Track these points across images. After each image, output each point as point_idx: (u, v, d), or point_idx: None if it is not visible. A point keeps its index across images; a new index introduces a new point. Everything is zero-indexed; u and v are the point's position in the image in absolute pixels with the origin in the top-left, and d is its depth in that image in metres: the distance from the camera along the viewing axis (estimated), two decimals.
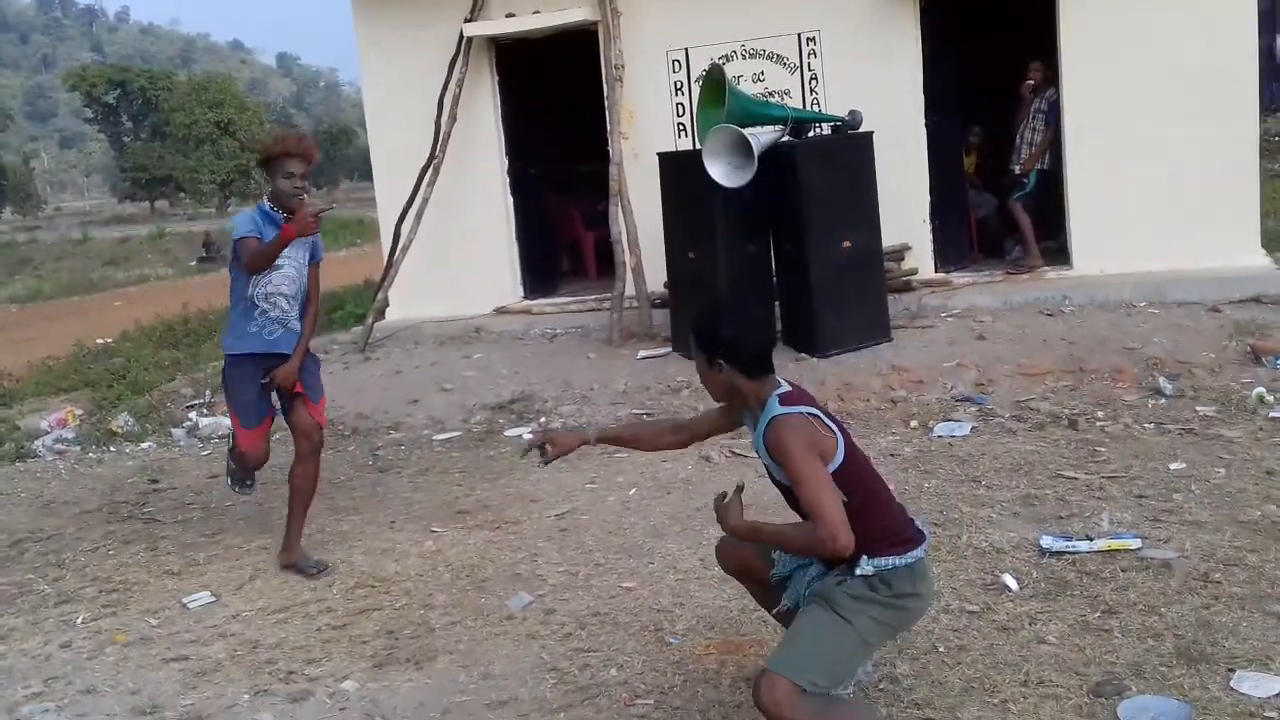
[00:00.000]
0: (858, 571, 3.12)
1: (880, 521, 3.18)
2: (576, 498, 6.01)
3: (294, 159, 5.01)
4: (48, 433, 8.56)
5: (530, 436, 4.06)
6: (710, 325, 3.35)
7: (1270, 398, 6.52)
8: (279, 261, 5.06)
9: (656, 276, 9.16)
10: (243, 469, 5.57)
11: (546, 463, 3.85)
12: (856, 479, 3.16)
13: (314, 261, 5.31)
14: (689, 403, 7.57)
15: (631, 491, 6.01)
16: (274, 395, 5.35)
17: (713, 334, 3.30)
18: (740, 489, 3.33)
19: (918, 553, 3.19)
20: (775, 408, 3.18)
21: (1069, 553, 4.58)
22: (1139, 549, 4.54)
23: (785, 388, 3.28)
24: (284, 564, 5.32)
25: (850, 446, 3.20)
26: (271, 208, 5.07)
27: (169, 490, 7.03)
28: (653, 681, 3.88)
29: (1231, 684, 3.47)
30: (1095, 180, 8.74)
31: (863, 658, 3.26)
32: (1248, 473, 5.39)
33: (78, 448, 8.29)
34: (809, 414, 3.15)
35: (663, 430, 3.89)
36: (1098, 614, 4.03)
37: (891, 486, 5.54)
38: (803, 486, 3.01)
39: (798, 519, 3.17)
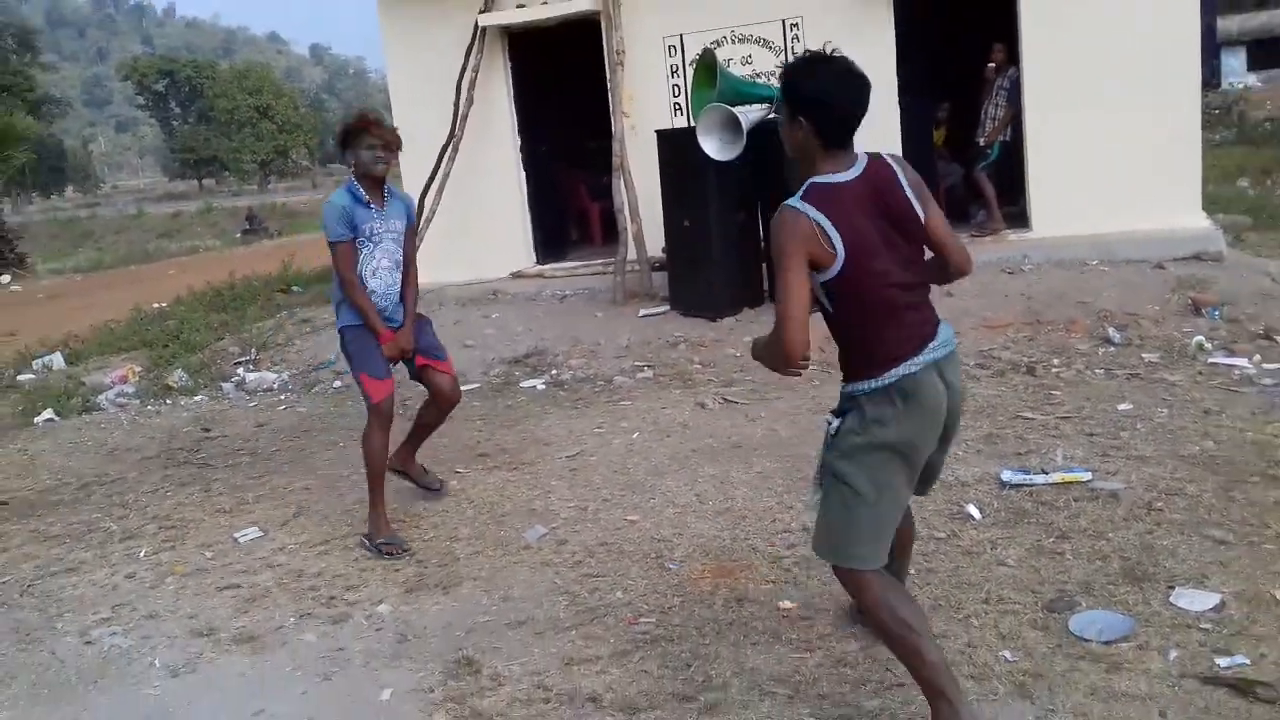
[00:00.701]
0: (830, 429, 2.84)
1: (867, 345, 2.77)
2: (585, 441, 6.02)
3: (374, 133, 4.66)
4: (110, 388, 8.58)
5: None
6: (802, 75, 2.80)
7: (1208, 345, 6.51)
8: (379, 235, 4.72)
9: (655, 242, 9.12)
10: (375, 458, 4.81)
11: None
12: (854, 291, 2.72)
13: (410, 225, 4.95)
14: (686, 355, 7.58)
15: (634, 435, 6.02)
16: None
17: (801, 86, 2.78)
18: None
19: (899, 370, 2.72)
20: (795, 197, 2.73)
21: (1027, 485, 4.59)
22: (1089, 481, 4.55)
23: (828, 178, 2.75)
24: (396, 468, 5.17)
25: (859, 260, 2.68)
26: (356, 185, 4.70)
27: (220, 438, 7.04)
28: (654, 603, 3.91)
29: (1171, 600, 3.50)
30: (1052, 150, 8.67)
31: (889, 511, 2.82)
32: (1188, 412, 5.40)
33: (137, 401, 8.30)
34: (804, 211, 2.69)
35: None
36: (1052, 539, 4.05)
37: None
38: (775, 283, 2.68)
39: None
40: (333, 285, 4.90)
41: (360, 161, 4.66)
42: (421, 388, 5.17)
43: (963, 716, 2.70)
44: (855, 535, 2.78)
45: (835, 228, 2.68)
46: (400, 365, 4.94)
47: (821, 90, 2.74)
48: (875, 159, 2.84)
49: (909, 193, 2.81)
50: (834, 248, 2.67)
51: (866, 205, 2.74)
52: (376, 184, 4.73)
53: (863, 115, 2.78)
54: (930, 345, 2.78)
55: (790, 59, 9.07)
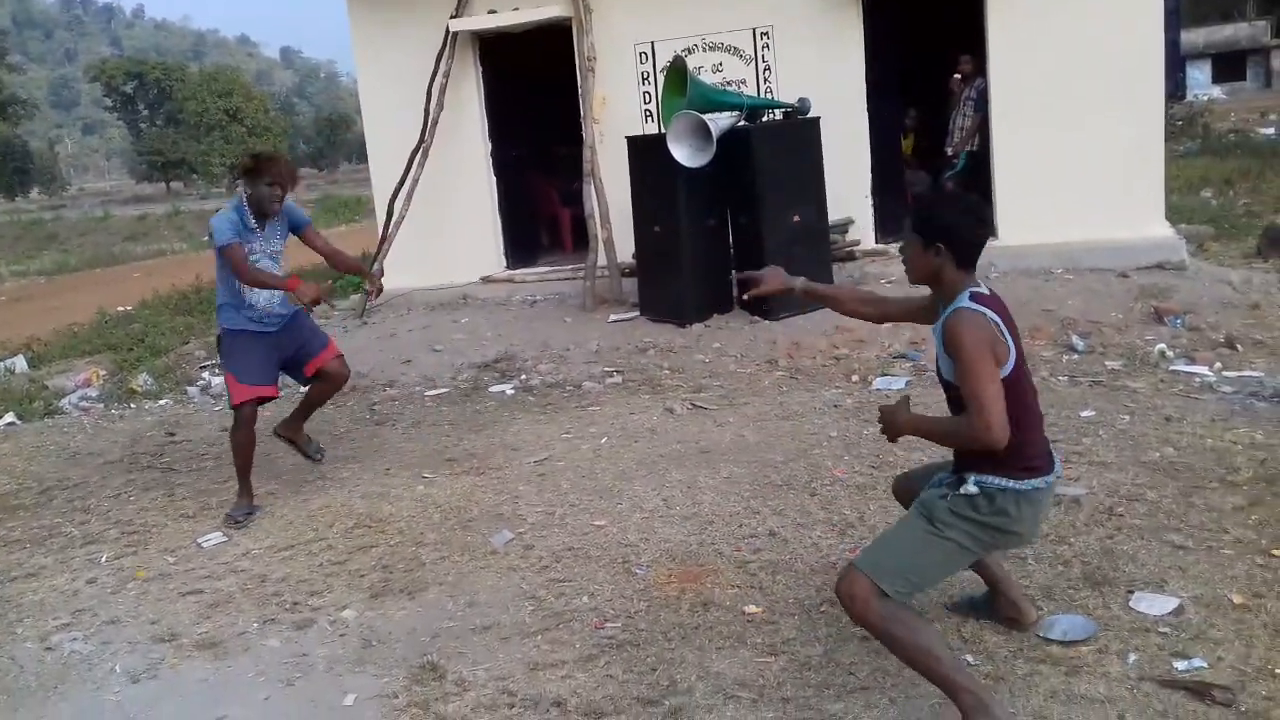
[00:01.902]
0: (962, 490, 2.99)
1: (1013, 447, 2.89)
2: (553, 446, 6.02)
3: (277, 176, 5.03)
4: (74, 391, 8.48)
5: (741, 275, 3.80)
6: (939, 209, 3.12)
7: (1170, 353, 6.59)
8: (256, 256, 5.08)
9: (626, 248, 9.13)
10: (240, 452, 5.30)
11: (748, 298, 3.71)
12: (1016, 394, 2.92)
13: (299, 231, 5.29)
14: (655, 361, 7.59)
15: (603, 440, 6.02)
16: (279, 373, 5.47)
17: (940, 218, 3.05)
18: (908, 398, 3.20)
19: (1035, 482, 2.98)
20: (964, 300, 2.96)
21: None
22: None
23: (981, 288, 3.02)
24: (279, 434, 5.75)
25: (1020, 363, 2.98)
26: (244, 207, 5.05)
27: (184, 442, 6.98)
28: (620, 607, 3.91)
29: (1130, 604, 3.54)
30: (1019, 160, 8.76)
31: (947, 571, 3.11)
32: (1149, 419, 5.46)
33: (101, 405, 8.22)
34: (993, 319, 2.92)
35: (863, 298, 3.67)
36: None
37: (834, 433, 5.63)
38: (969, 377, 2.84)
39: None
40: (218, 289, 5.28)
41: (259, 197, 5.02)
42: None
43: (992, 709, 2.80)
44: (909, 571, 2.95)
45: (1007, 330, 2.96)
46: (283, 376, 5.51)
47: (960, 221, 3.04)
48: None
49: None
50: (1009, 347, 2.94)
51: (1008, 318, 3.02)
52: (264, 217, 5.10)
53: (986, 242, 3.14)
54: (1056, 468, 3.07)
55: (764, 71, 9.18)
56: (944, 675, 2.85)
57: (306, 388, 5.68)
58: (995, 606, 3.51)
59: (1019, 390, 2.95)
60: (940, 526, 2.98)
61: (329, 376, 5.53)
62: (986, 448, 2.84)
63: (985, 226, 3.15)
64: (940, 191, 3.15)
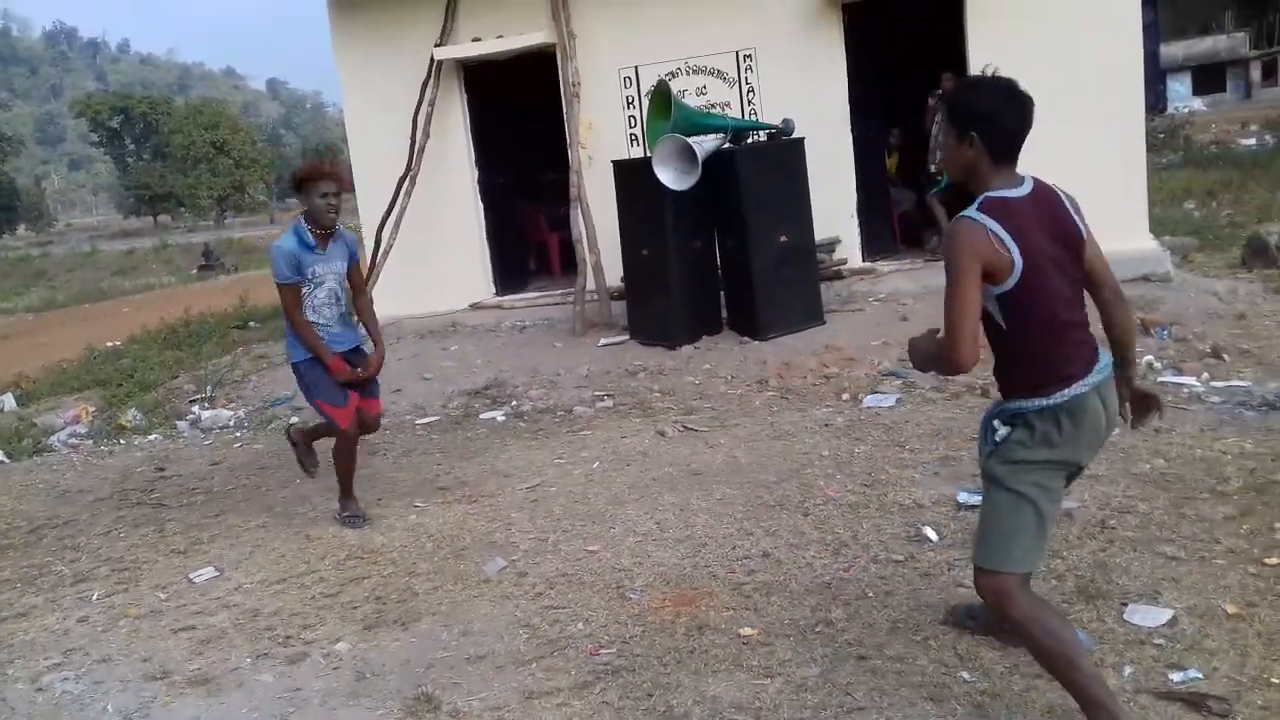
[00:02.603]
0: (996, 438, 2.89)
1: (1032, 355, 2.81)
2: (545, 472, 6.01)
3: (327, 180, 5.01)
4: (63, 428, 8.45)
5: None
6: (972, 96, 2.89)
7: (1158, 364, 6.62)
8: (321, 277, 5.09)
9: (614, 272, 9.15)
10: (342, 461, 5.46)
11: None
12: (1028, 305, 2.77)
13: (354, 263, 5.30)
14: (645, 384, 7.59)
15: (594, 465, 6.02)
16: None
17: (972, 105, 2.85)
18: (933, 331, 2.94)
19: (1070, 392, 2.78)
20: (971, 208, 2.79)
21: None
22: None
23: (1003, 191, 2.82)
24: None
25: (1038, 271, 2.74)
26: (308, 227, 5.04)
27: (175, 477, 6.95)
28: (615, 633, 3.89)
29: (1124, 616, 3.54)
30: None
31: (1051, 512, 2.90)
32: (1139, 431, 5.44)
33: (90, 441, 8.18)
34: (992, 230, 2.72)
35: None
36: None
37: (825, 453, 5.63)
38: (946, 296, 2.71)
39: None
40: (284, 322, 5.26)
41: (314, 208, 5.01)
42: None
43: None
44: (1016, 540, 2.85)
45: (1014, 240, 2.73)
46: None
47: (993, 108, 2.82)
48: (1039, 182, 2.91)
49: (1074, 214, 2.90)
50: (1013, 259, 2.73)
51: (1038, 222, 2.80)
52: (325, 229, 5.07)
53: (1028, 132, 2.88)
54: (1096, 368, 2.85)
55: (748, 93, 9.25)
56: (1080, 685, 2.75)
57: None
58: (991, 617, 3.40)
59: (1032, 300, 2.77)
60: (1009, 485, 2.85)
61: (361, 425, 5.48)
62: (956, 370, 2.74)
63: (1026, 114, 2.86)
64: (982, 76, 2.98)
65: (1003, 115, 2.84)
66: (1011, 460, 2.86)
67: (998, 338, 2.89)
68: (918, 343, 2.99)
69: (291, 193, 5.31)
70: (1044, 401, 2.80)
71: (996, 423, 2.92)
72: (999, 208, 2.78)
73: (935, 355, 2.86)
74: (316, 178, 4.99)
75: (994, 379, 2.99)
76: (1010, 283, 2.74)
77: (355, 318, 5.45)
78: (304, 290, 5.07)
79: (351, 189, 5.21)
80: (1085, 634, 3.40)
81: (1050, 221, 2.83)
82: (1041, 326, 2.80)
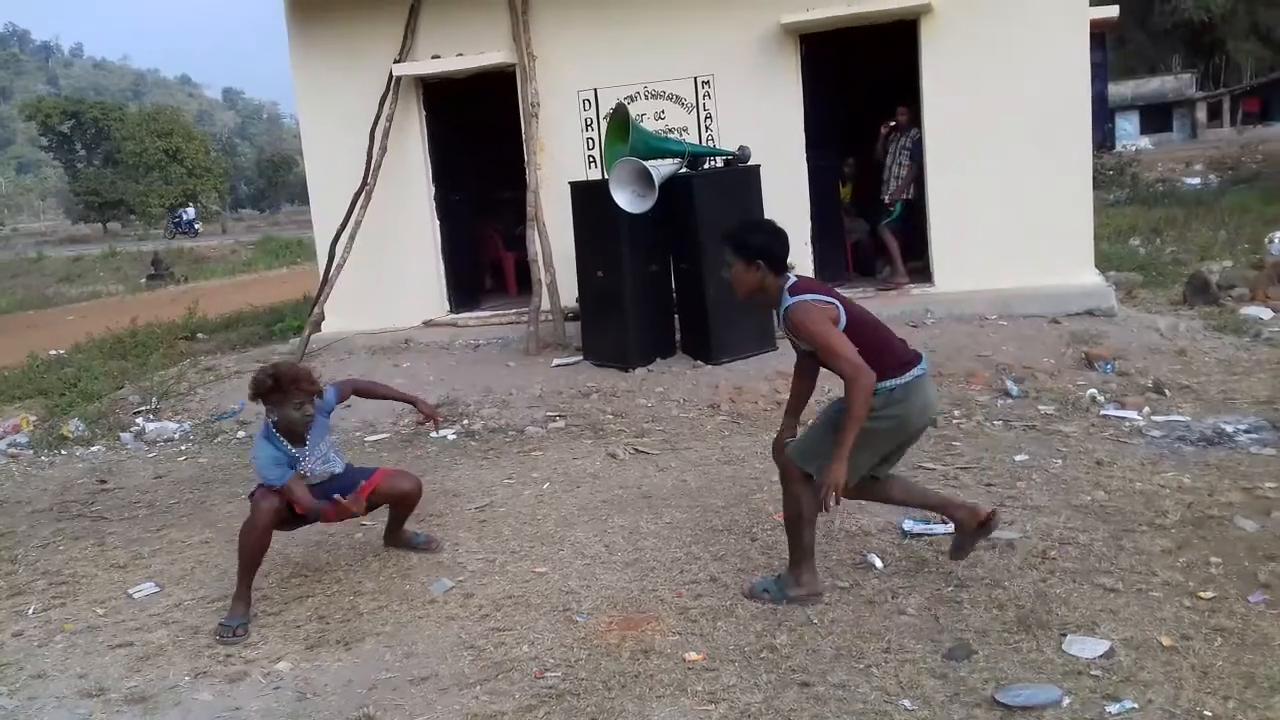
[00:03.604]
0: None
1: (884, 357, 3.80)
2: (495, 492, 5.99)
3: (303, 390, 4.48)
4: (2, 438, 8.28)
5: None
6: (753, 234, 3.96)
7: (1101, 398, 6.74)
8: (312, 467, 4.65)
9: (569, 293, 9.16)
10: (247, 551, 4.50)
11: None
12: (860, 331, 3.80)
13: (335, 405, 4.85)
14: (598, 405, 7.59)
15: (544, 486, 6.01)
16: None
17: (754, 241, 3.91)
18: (794, 445, 4.13)
19: (914, 372, 3.86)
20: (787, 298, 3.85)
21: (927, 535, 4.69)
22: None
23: (792, 280, 3.91)
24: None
25: (850, 310, 3.85)
26: (277, 435, 4.55)
27: (117, 490, 6.83)
28: (561, 656, 3.89)
29: (1063, 646, 3.60)
30: (953, 209, 8.96)
31: (869, 459, 3.93)
32: (1081, 463, 5.57)
33: (30, 451, 8.02)
34: (813, 300, 3.80)
35: (801, 382, 4.31)
36: (950, 588, 4.13)
37: (774, 478, 5.65)
38: (826, 351, 3.73)
39: (803, 376, 4.23)
40: (257, 448, 4.62)
41: (290, 420, 4.50)
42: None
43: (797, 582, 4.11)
44: (820, 460, 3.84)
45: (825, 295, 3.89)
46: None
47: (770, 241, 3.95)
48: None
49: None
50: (836, 307, 3.84)
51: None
52: (299, 438, 4.60)
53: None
54: (924, 359, 3.98)
55: (705, 119, 9.32)
56: (806, 539, 4.06)
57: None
58: (963, 524, 4.15)
59: (862, 327, 3.84)
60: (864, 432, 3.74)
61: (392, 499, 4.92)
62: (866, 382, 3.64)
63: (787, 243, 3.98)
64: (752, 219, 4.56)
65: (778, 245, 3.95)
66: (874, 418, 3.81)
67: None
68: (825, 471, 3.79)
69: (253, 395, 4.57)
70: (894, 382, 3.84)
71: None
72: (803, 286, 3.91)
73: (854, 401, 3.68)
74: (290, 388, 4.46)
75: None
76: (843, 323, 3.81)
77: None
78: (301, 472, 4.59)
79: (319, 392, 4.67)
80: (1059, 690, 3.33)
81: (823, 287, 4.02)
82: (876, 342, 3.87)
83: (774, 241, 3.94)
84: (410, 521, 5.34)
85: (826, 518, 4.99)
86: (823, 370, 4.06)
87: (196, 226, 48.95)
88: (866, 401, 3.68)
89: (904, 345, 3.98)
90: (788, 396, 4.46)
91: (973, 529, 4.13)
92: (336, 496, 4.54)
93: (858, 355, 3.66)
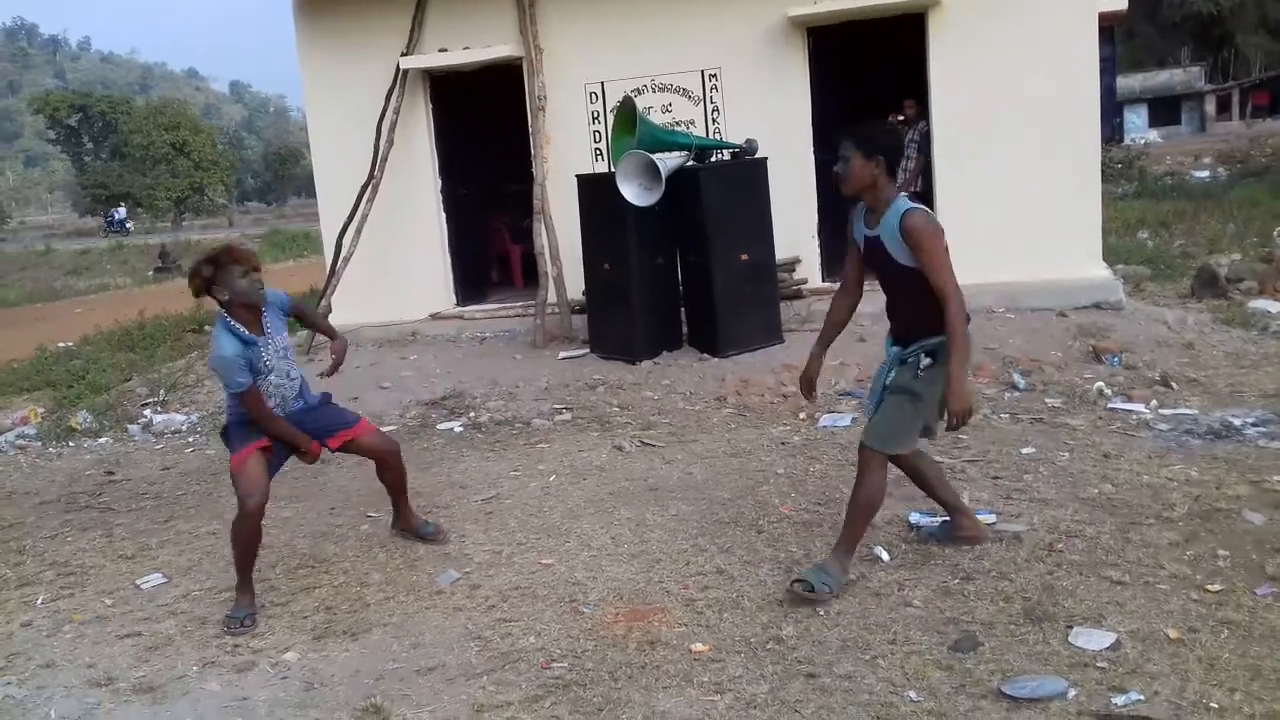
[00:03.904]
0: (921, 368, 3.96)
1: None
2: (501, 484, 6.00)
3: (240, 261, 4.41)
4: (10, 429, 8.31)
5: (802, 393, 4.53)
6: (878, 132, 3.99)
7: (1108, 391, 6.73)
8: (270, 362, 4.51)
9: (576, 286, 9.17)
10: (242, 541, 4.46)
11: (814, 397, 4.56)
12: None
13: (293, 312, 4.80)
14: (604, 398, 7.60)
15: (551, 478, 6.02)
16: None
17: (879, 138, 3.93)
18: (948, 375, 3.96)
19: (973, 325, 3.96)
20: (906, 204, 3.88)
21: (933, 528, 4.68)
22: (994, 523, 4.66)
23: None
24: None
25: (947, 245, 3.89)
26: (234, 323, 4.41)
27: (124, 481, 6.86)
28: (567, 647, 3.89)
29: (1069, 639, 3.59)
30: (961, 202, 8.93)
31: (930, 414, 4.07)
32: (1088, 456, 5.57)
33: (38, 443, 8.05)
34: (935, 217, 3.88)
35: (842, 305, 4.44)
36: (957, 580, 4.13)
37: (781, 471, 5.67)
38: (939, 270, 3.80)
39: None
40: (227, 402, 4.63)
41: (239, 291, 4.39)
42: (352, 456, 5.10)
43: (843, 567, 4.11)
44: (907, 437, 4.06)
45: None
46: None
47: (896, 143, 4.05)
48: None
49: None
50: (942, 231, 3.88)
51: None
52: (255, 310, 4.50)
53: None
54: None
55: (713, 112, 9.31)
56: (859, 533, 4.13)
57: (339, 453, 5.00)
58: (958, 527, 4.38)
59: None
60: (923, 395, 3.96)
61: (376, 456, 4.93)
62: (965, 315, 3.81)
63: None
64: (879, 120, 4.72)
65: (899, 147, 4.07)
66: (929, 379, 3.95)
67: (923, 291, 3.88)
68: (956, 394, 3.87)
69: (200, 286, 4.43)
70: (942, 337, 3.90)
71: (922, 356, 3.97)
72: (922, 202, 3.94)
73: (958, 331, 3.82)
74: (229, 261, 4.39)
75: (908, 325, 4.09)
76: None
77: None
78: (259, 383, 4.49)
79: (259, 266, 4.57)
80: (1065, 682, 3.32)
81: None
82: None
83: (897, 145, 4.04)
84: (418, 511, 5.36)
85: (833, 510, 5.01)
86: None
87: (128, 226, 49.02)
88: (966, 328, 3.82)
89: None
90: (823, 323, 4.49)
91: (960, 536, 4.39)
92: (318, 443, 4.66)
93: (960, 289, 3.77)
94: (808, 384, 4.45)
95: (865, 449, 4.05)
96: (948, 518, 4.51)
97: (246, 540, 4.43)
